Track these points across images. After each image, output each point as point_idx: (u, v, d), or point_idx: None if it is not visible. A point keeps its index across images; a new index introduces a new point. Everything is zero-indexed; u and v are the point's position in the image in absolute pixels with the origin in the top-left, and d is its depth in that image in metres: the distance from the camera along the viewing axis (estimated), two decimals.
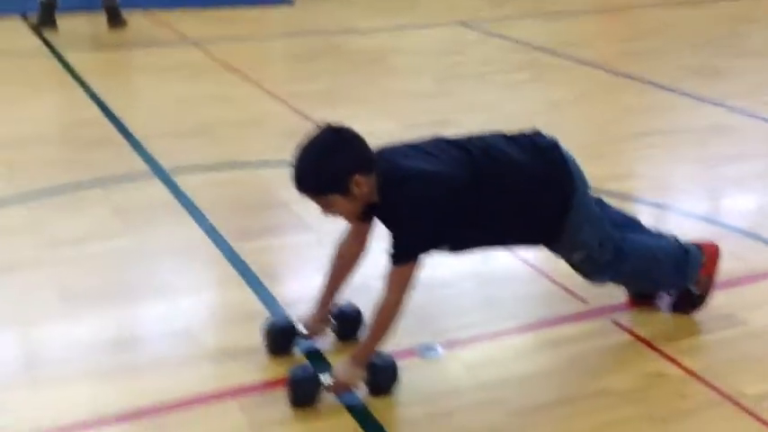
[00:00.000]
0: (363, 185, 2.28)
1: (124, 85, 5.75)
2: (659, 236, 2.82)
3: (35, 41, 6.48)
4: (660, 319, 2.80)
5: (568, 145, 2.55)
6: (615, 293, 2.85)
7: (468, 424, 2.28)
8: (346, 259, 2.53)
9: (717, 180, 3.98)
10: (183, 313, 2.77)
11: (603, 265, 2.64)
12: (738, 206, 3.80)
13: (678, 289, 2.81)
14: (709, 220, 3.53)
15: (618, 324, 2.75)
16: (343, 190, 2.27)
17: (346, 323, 2.60)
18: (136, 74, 6.04)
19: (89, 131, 4.49)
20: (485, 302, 2.90)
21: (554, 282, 2.99)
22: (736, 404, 2.36)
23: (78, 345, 2.58)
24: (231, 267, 3.04)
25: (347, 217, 2.39)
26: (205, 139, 4.40)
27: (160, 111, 4.92)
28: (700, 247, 2.82)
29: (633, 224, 2.80)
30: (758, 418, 2.31)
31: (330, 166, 2.26)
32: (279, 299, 2.81)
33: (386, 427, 2.24)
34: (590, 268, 2.66)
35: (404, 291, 2.31)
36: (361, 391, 2.36)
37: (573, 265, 2.67)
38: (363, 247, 2.52)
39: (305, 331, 2.55)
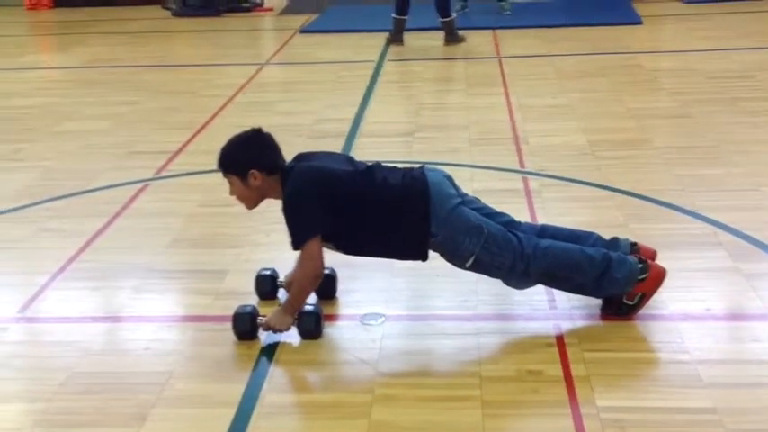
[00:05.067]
0: (259, 180, 2.90)
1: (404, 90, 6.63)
2: (595, 246, 2.94)
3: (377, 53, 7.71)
4: (600, 331, 2.90)
5: None
6: (586, 308, 3.00)
7: (327, 375, 2.77)
8: None
9: None
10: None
11: (507, 270, 2.88)
12: None
13: (612, 295, 2.92)
14: None
15: (556, 327, 2.93)
16: (242, 176, 2.90)
17: (320, 284, 3.14)
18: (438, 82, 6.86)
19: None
20: (465, 290, 3.18)
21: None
22: (575, 409, 2.48)
23: None
24: None
25: (243, 201, 2.99)
26: None
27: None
28: (646, 264, 2.89)
29: (575, 236, 2.96)
30: (578, 423, 2.42)
31: (237, 153, 2.93)
32: None
33: (271, 363, 2.81)
34: (492, 272, 2.92)
35: (309, 266, 2.88)
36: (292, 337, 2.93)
37: (484, 273, 2.94)
38: None
39: (284, 282, 3.19)
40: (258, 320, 2.97)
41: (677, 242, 3.48)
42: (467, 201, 2.97)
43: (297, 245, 2.88)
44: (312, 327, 2.95)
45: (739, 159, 4.51)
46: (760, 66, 6.53)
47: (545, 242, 2.91)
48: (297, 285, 2.95)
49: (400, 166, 3.11)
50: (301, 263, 2.92)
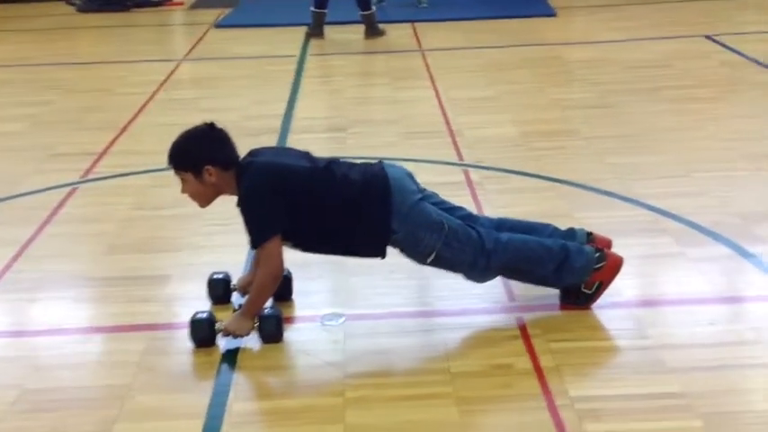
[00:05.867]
0: (214, 176, 2.81)
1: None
2: (552, 237, 2.97)
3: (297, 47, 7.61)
4: (562, 321, 2.92)
5: None
6: (544, 299, 3.01)
7: (294, 379, 2.73)
8: None
9: None
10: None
11: (468, 265, 2.88)
12: None
13: (570, 285, 2.95)
14: None
15: (519, 320, 2.93)
16: (196, 173, 2.81)
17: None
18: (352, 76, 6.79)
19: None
20: (421, 285, 3.18)
21: (504, 278, 3.16)
22: (549, 401, 2.49)
23: None
24: None
25: (196, 198, 2.90)
26: None
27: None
28: (603, 253, 2.93)
29: (532, 228, 3.00)
30: (555, 415, 2.42)
31: (192, 149, 2.84)
32: None
33: (234, 370, 2.72)
34: (454, 268, 2.91)
35: (270, 266, 2.80)
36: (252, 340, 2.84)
37: (438, 268, 2.92)
38: None
39: (237, 286, 3.11)
40: (216, 327, 2.88)
41: (623, 230, 3.50)
42: (426, 196, 2.94)
43: (256, 244, 2.80)
44: (273, 330, 2.87)
45: (667, 147, 4.62)
46: (675, 55, 6.70)
47: (504, 236, 2.91)
48: (257, 287, 2.86)
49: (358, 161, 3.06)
50: (261, 263, 2.84)
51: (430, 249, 2.87)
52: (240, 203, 2.82)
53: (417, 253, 2.90)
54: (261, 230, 2.79)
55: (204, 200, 2.93)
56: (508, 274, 2.99)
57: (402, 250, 2.93)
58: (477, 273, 2.92)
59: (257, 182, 2.79)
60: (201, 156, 2.82)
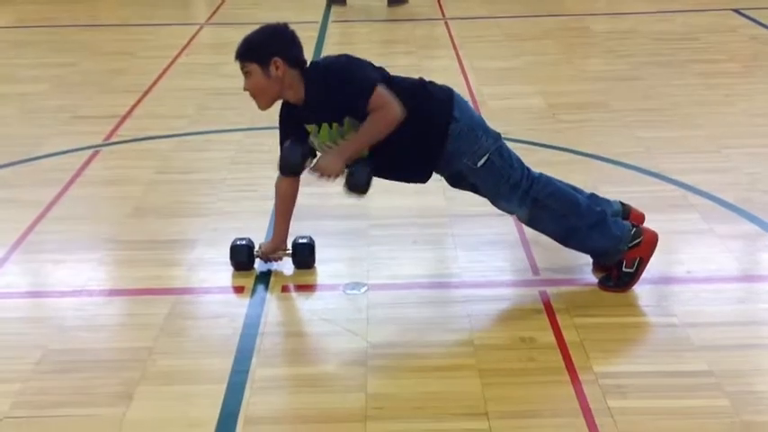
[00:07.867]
0: (281, 70, 2.78)
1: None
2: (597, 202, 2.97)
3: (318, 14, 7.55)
4: (586, 296, 2.89)
5: None
6: (569, 273, 3.00)
7: (316, 347, 2.71)
8: (287, 199, 3.04)
9: None
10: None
11: (512, 184, 2.85)
12: None
13: (601, 254, 2.93)
14: None
15: (543, 294, 2.90)
16: (263, 64, 2.78)
17: (300, 253, 3.09)
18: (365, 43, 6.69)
19: None
20: (444, 257, 3.19)
21: (528, 251, 3.17)
22: (573, 375, 2.47)
23: None
24: None
25: (258, 95, 2.83)
26: None
27: None
28: (639, 229, 2.91)
29: (574, 188, 3.00)
30: (579, 389, 2.40)
31: (261, 40, 2.84)
32: None
33: (258, 336, 2.70)
34: (498, 181, 2.85)
35: (388, 108, 2.73)
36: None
37: (481, 182, 2.89)
38: (297, 186, 3.03)
39: (260, 252, 3.11)
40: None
41: (650, 205, 3.42)
42: None
43: (368, 95, 2.72)
44: (364, 180, 2.80)
45: (697, 121, 4.56)
46: (702, 28, 6.61)
47: (556, 180, 2.95)
48: (368, 126, 2.76)
49: None
50: (379, 110, 2.74)
51: (485, 150, 2.85)
52: (336, 73, 2.80)
53: (471, 150, 2.85)
54: (365, 82, 2.75)
55: (266, 98, 2.87)
56: (540, 215, 2.89)
57: (454, 152, 2.84)
58: (518, 197, 2.87)
59: (338, 58, 2.85)
60: (271, 46, 2.81)
